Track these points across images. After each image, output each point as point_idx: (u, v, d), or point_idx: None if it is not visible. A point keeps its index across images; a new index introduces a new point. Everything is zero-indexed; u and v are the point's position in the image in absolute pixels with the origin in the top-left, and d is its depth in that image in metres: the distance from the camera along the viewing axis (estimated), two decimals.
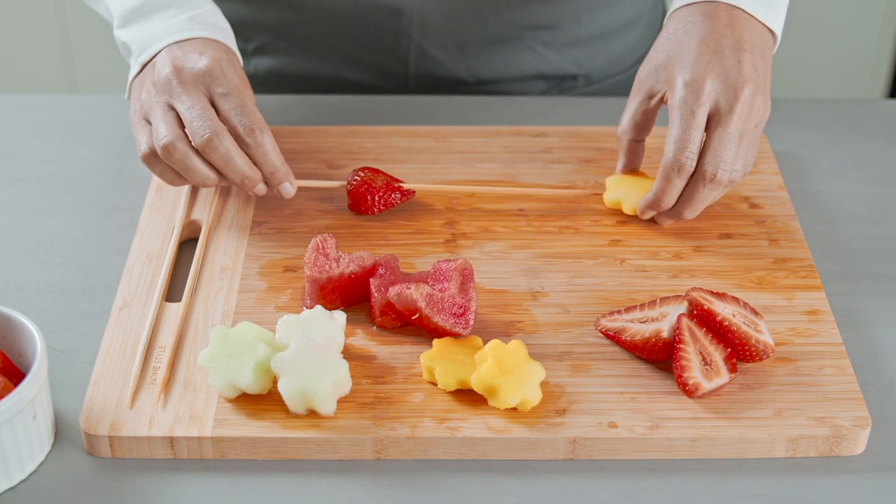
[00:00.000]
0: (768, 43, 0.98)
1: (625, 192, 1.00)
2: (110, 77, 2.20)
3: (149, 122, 0.96)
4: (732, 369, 0.84)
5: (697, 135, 0.93)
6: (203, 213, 1.00)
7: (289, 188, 0.98)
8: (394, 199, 1.00)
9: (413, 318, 0.87)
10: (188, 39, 0.98)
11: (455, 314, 0.86)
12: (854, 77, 2.24)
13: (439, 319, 0.86)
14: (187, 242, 1.00)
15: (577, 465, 0.82)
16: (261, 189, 0.97)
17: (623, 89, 1.26)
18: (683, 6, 0.98)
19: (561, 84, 1.23)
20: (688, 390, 0.83)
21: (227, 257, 0.96)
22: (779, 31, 1.00)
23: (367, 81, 1.21)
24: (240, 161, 0.94)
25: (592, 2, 1.18)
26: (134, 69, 1.00)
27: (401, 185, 1.00)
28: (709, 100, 0.93)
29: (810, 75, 2.22)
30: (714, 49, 0.94)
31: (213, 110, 0.94)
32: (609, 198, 1.00)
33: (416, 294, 0.86)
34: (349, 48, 1.19)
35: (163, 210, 1.01)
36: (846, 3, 2.15)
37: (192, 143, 0.94)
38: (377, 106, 1.16)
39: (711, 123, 0.93)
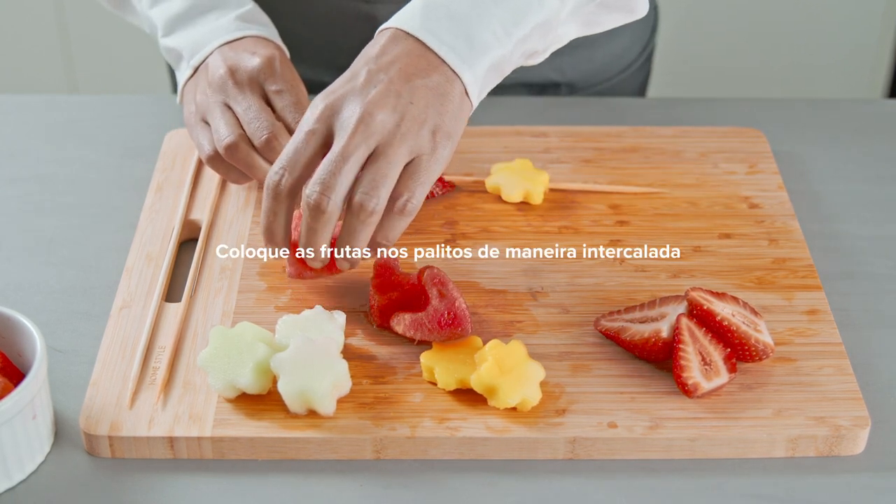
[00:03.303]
0: (449, 85, 0.86)
1: (506, 179, 1.02)
2: (110, 77, 2.20)
3: (207, 124, 0.97)
4: (732, 369, 0.84)
5: (303, 154, 0.84)
6: (202, 213, 1.00)
7: None
8: (435, 189, 1.01)
9: (415, 343, 0.88)
10: (238, 39, 0.99)
11: (447, 324, 0.86)
12: (854, 77, 2.24)
13: (436, 337, 0.86)
14: (187, 242, 1.00)
15: (576, 465, 0.82)
16: None
17: (609, 96, 1.26)
18: (383, 29, 0.89)
19: (543, 92, 1.23)
20: (687, 390, 0.83)
21: (227, 257, 0.96)
22: (470, 85, 0.87)
23: None
24: None
25: None
26: (186, 73, 1.01)
27: (441, 176, 1.02)
28: (324, 122, 0.84)
29: (810, 75, 2.22)
30: (353, 74, 0.85)
31: (269, 109, 0.96)
32: (490, 183, 1.02)
33: (400, 328, 0.87)
34: (330, 54, 1.19)
35: (162, 210, 1.01)
36: (846, 2, 2.15)
37: (253, 143, 0.95)
38: None
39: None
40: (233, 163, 0.96)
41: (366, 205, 0.82)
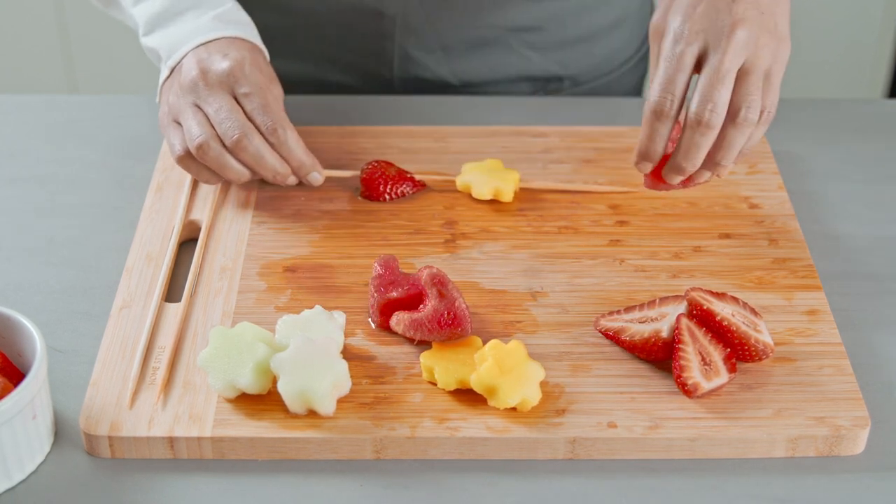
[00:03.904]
0: None
1: (476, 177, 1.02)
2: (110, 77, 2.20)
3: (179, 124, 0.98)
4: (732, 369, 0.84)
5: (682, 77, 0.89)
6: (202, 213, 1.00)
7: (317, 177, 1.01)
8: (405, 188, 1.02)
9: (414, 343, 0.88)
10: (213, 40, 1.00)
11: (447, 324, 0.86)
12: (854, 77, 2.24)
13: (436, 337, 0.86)
14: (187, 243, 1.00)
15: (576, 465, 0.82)
16: (292, 181, 1.00)
17: (610, 90, 1.26)
18: None
19: (547, 86, 1.23)
20: (687, 390, 0.83)
21: (227, 257, 0.96)
22: None
23: (352, 84, 1.21)
24: (270, 158, 0.97)
25: (577, 4, 1.19)
26: (163, 73, 1.02)
27: (412, 176, 1.02)
28: (695, 41, 0.89)
29: (810, 75, 2.22)
30: None
31: (240, 110, 0.97)
32: (460, 181, 1.02)
33: (400, 328, 0.87)
34: (333, 51, 1.19)
35: (162, 210, 1.01)
36: (846, 2, 2.15)
37: (224, 143, 0.96)
38: (370, 107, 1.16)
39: (701, 65, 0.90)
40: (204, 162, 0.97)
41: (749, 118, 0.89)
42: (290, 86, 1.22)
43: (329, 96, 1.18)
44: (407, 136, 1.10)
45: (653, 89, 0.90)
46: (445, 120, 1.14)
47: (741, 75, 0.89)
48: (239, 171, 0.97)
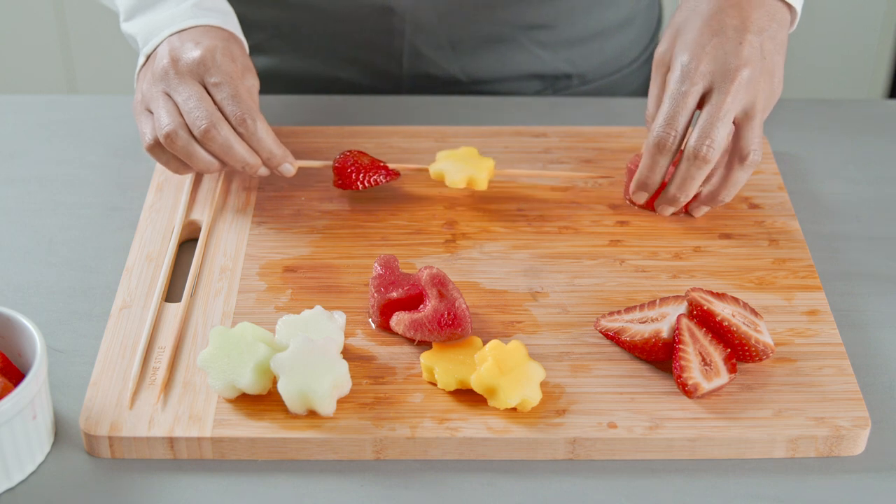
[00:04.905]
0: (782, 21, 0.96)
1: (450, 165, 1.02)
2: (110, 77, 2.20)
3: (150, 112, 0.98)
4: (732, 370, 0.84)
5: (685, 114, 0.93)
6: (203, 213, 1.00)
7: (289, 168, 0.99)
8: (378, 177, 1.01)
9: (414, 343, 0.88)
10: (188, 28, 0.99)
11: (447, 324, 0.86)
12: (854, 77, 2.24)
13: (436, 337, 0.86)
14: (187, 243, 1.00)
15: (576, 465, 0.82)
16: (263, 171, 0.99)
17: (618, 89, 1.27)
18: None
19: (555, 83, 1.23)
20: (687, 390, 0.83)
21: (227, 257, 0.96)
22: (798, 6, 0.98)
23: (361, 81, 1.21)
24: (239, 148, 0.96)
25: (587, 1, 1.19)
26: (140, 60, 1.02)
27: (386, 165, 1.02)
28: (702, 80, 0.93)
29: (810, 75, 2.22)
30: (716, 29, 0.94)
31: (209, 99, 0.96)
32: (434, 169, 1.02)
33: (400, 328, 0.87)
34: (343, 47, 1.19)
35: (162, 210, 1.01)
36: (846, 3, 2.15)
37: (192, 133, 0.95)
38: (374, 106, 1.16)
39: (703, 103, 0.93)
40: (172, 151, 0.96)
41: (756, 160, 0.93)
42: (298, 83, 1.22)
43: (330, 96, 1.18)
44: (408, 136, 1.10)
45: (656, 123, 0.93)
46: (448, 120, 1.14)
47: (746, 120, 0.93)
48: (207, 161, 0.96)
